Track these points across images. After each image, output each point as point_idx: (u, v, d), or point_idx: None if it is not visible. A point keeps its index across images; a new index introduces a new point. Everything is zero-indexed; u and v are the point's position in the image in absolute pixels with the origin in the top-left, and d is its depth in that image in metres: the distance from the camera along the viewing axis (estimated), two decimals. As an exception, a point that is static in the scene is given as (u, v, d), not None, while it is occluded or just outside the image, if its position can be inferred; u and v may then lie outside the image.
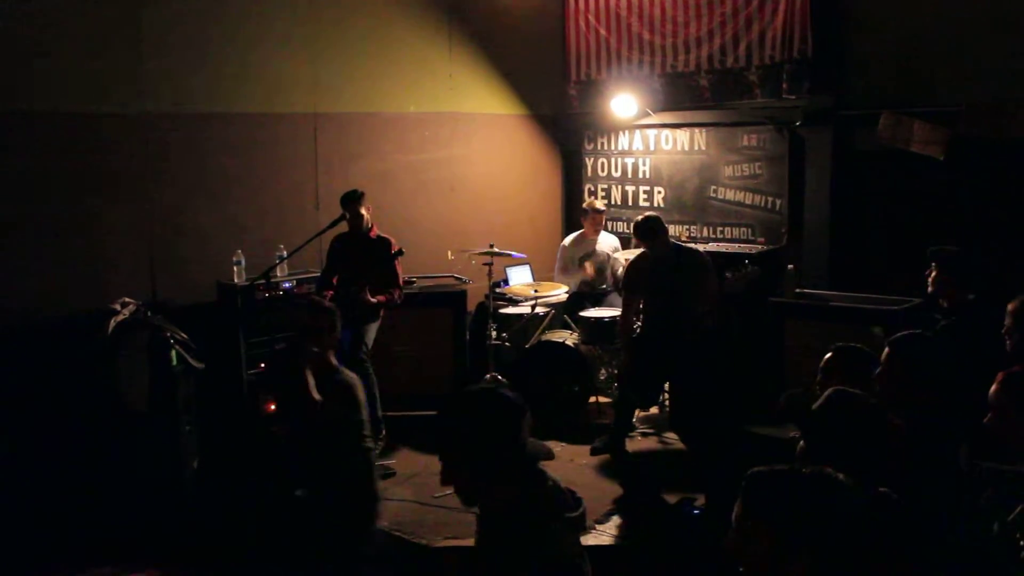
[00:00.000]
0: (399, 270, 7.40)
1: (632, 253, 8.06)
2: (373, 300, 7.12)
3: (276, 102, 7.92)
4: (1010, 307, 4.88)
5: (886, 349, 4.06)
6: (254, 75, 7.76)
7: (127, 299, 6.83)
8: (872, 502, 3.07)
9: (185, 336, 6.71)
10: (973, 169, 7.37)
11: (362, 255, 7.29)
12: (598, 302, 8.62)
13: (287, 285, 7.46)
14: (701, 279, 7.07)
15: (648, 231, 7.08)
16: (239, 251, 7.33)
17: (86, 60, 6.83)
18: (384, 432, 7.37)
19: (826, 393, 3.32)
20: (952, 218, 7.44)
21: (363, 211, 7.31)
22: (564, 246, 9.18)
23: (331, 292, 7.27)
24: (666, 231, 7.19)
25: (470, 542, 3.06)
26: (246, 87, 7.72)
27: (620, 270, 8.48)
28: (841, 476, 2.52)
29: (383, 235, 7.43)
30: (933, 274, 5.78)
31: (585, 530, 2.86)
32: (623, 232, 9.59)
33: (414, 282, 8.21)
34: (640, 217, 7.25)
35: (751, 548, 2.46)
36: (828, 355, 4.31)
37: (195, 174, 7.46)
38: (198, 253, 7.43)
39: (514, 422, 2.75)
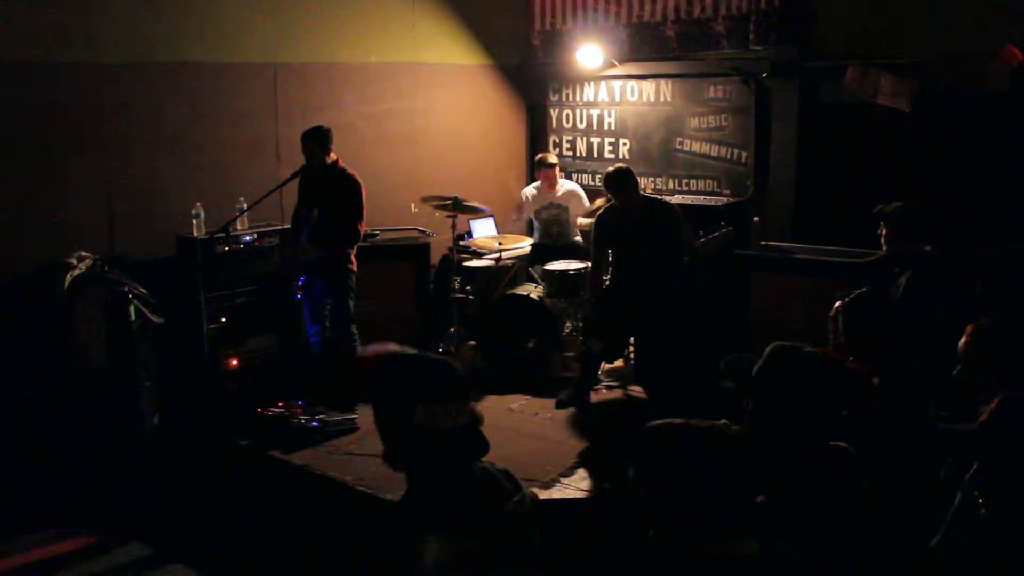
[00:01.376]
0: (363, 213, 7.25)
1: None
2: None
3: (235, 52, 7.74)
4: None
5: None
6: (213, 24, 7.57)
7: (84, 253, 6.69)
8: (825, 456, 3.05)
9: (144, 291, 6.62)
10: (940, 121, 7.35)
11: (323, 189, 7.17)
12: (563, 255, 8.54)
13: (247, 238, 7.35)
14: (671, 232, 6.99)
15: (618, 183, 7.01)
16: (198, 204, 7.18)
17: (40, 8, 6.61)
18: None
19: (767, 350, 3.27)
20: (918, 170, 7.44)
21: (319, 148, 7.11)
22: (525, 199, 9.12)
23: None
24: (637, 184, 7.11)
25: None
26: (205, 37, 7.53)
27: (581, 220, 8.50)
28: (735, 428, 2.44)
29: (348, 171, 7.25)
30: (884, 232, 5.77)
31: (536, 505, 2.69)
32: (588, 184, 9.54)
33: (376, 235, 8.11)
34: (611, 168, 7.16)
35: (653, 515, 2.35)
36: (837, 304, 4.28)
37: (153, 126, 7.29)
38: (156, 206, 7.29)
39: (415, 388, 2.57)
